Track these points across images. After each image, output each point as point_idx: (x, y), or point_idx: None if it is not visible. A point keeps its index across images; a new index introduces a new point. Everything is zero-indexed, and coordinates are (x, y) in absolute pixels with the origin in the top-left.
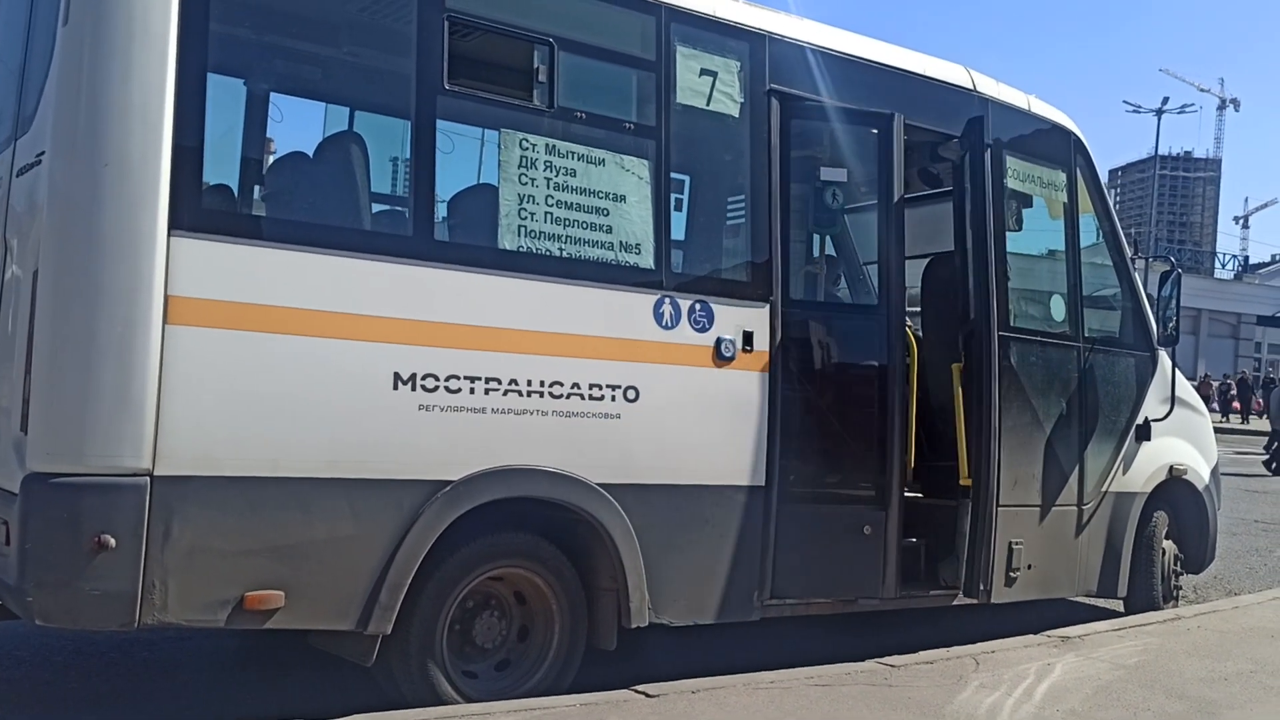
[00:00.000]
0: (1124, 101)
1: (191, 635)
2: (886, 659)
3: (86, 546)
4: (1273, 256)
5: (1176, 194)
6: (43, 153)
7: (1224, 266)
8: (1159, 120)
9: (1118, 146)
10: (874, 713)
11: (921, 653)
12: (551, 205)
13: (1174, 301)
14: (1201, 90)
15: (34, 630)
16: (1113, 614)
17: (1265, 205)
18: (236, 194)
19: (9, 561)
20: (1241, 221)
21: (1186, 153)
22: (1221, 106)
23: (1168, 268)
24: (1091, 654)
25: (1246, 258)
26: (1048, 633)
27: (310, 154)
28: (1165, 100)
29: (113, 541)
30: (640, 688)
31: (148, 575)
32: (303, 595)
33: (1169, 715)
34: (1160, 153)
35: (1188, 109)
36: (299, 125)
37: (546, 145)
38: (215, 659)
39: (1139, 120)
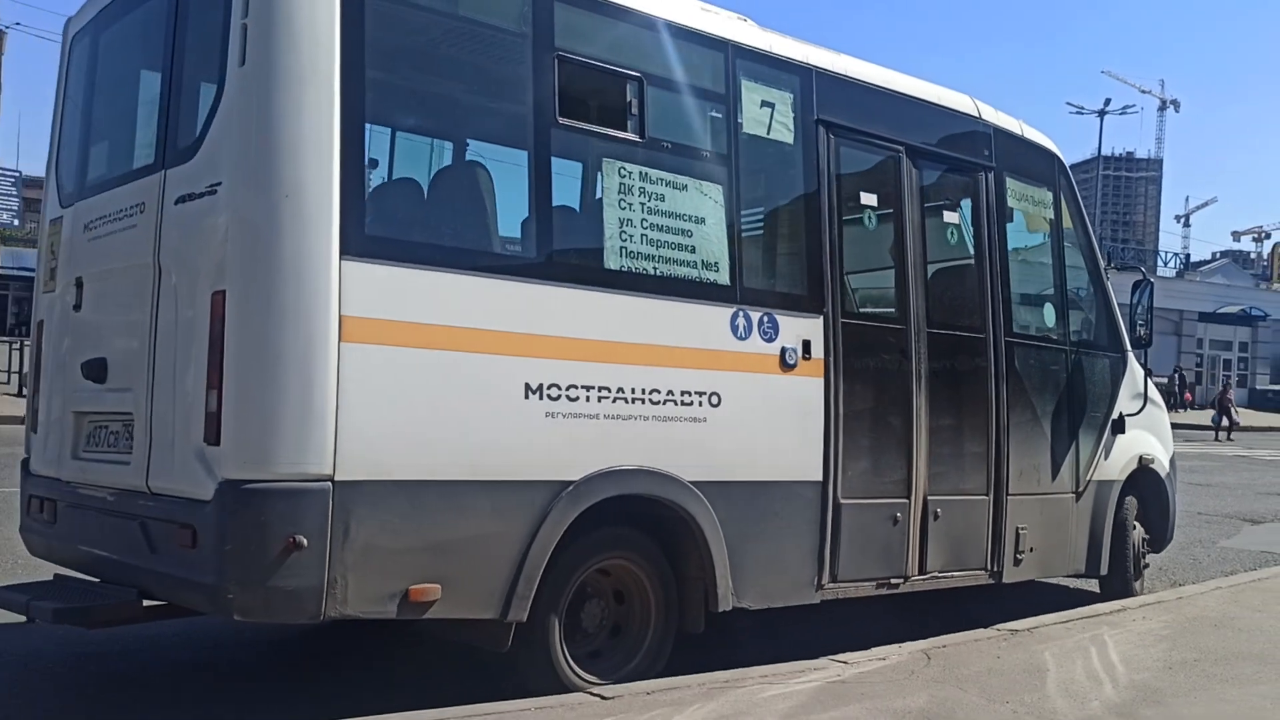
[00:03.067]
0: (1067, 103)
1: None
2: (840, 655)
3: (281, 547)
4: (1213, 254)
5: (1119, 193)
6: (217, 184)
7: (1166, 265)
8: (1101, 121)
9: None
10: (828, 709)
11: (875, 649)
12: (646, 228)
13: (1147, 307)
14: (1143, 92)
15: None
16: (1060, 606)
17: (1205, 204)
18: (393, 221)
19: (199, 562)
20: (1183, 220)
21: (1129, 153)
22: (1162, 107)
23: (1139, 277)
24: (1038, 647)
25: (1188, 256)
26: (996, 627)
27: (451, 185)
28: (1107, 102)
29: (305, 542)
30: (595, 690)
31: (331, 572)
32: (456, 587)
33: (1116, 704)
34: (1103, 153)
35: (1129, 110)
36: (440, 159)
37: (640, 173)
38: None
39: (1082, 121)
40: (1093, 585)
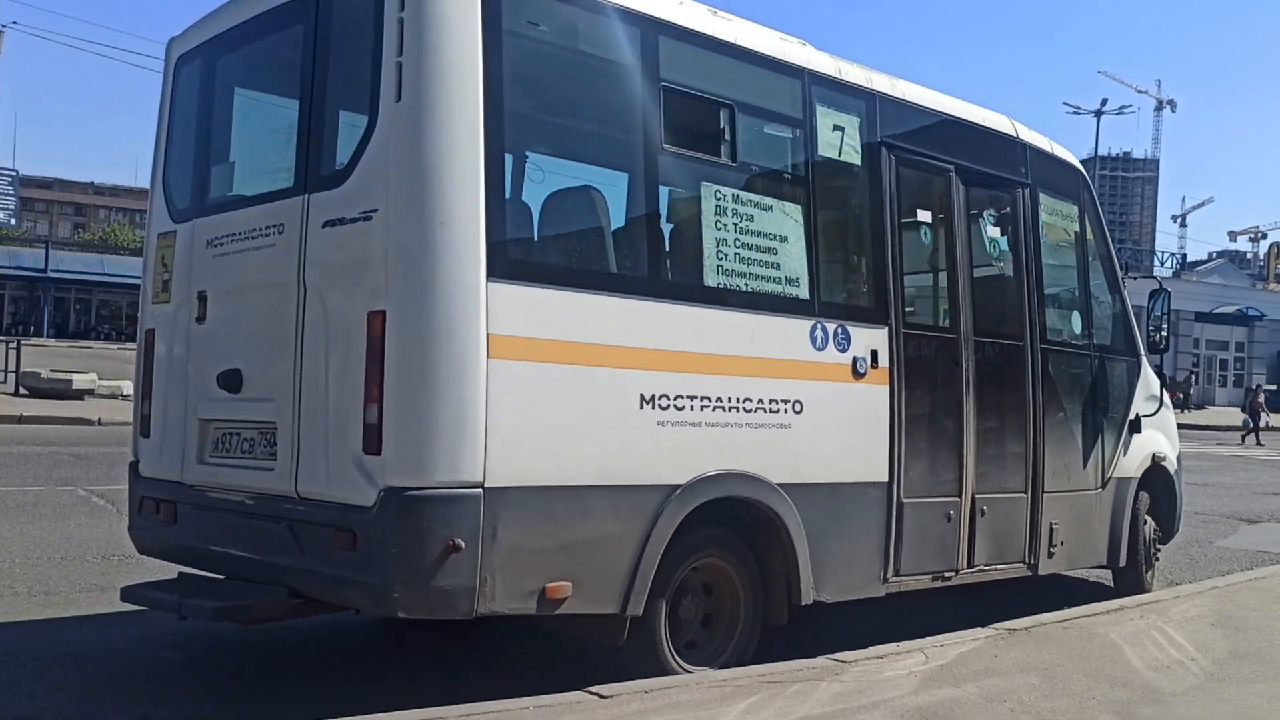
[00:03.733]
0: (1064, 103)
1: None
2: (838, 654)
3: (441, 549)
4: (1210, 254)
5: (1116, 193)
6: (372, 211)
7: (1163, 264)
8: (1098, 121)
9: None
10: (826, 707)
11: (873, 648)
12: (738, 247)
13: (1164, 316)
14: (1139, 92)
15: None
16: (1058, 605)
17: (1202, 204)
18: (529, 244)
19: (361, 563)
20: (1179, 220)
21: (1125, 153)
22: (1159, 108)
23: (1156, 286)
24: (1039, 644)
25: (1184, 255)
26: (995, 625)
27: (574, 209)
28: (1104, 102)
29: (462, 544)
30: (593, 689)
31: (481, 572)
32: (584, 585)
33: (1114, 703)
34: (1100, 153)
35: (1126, 110)
36: (564, 186)
37: (732, 195)
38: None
39: (1079, 121)
40: (1082, 578)
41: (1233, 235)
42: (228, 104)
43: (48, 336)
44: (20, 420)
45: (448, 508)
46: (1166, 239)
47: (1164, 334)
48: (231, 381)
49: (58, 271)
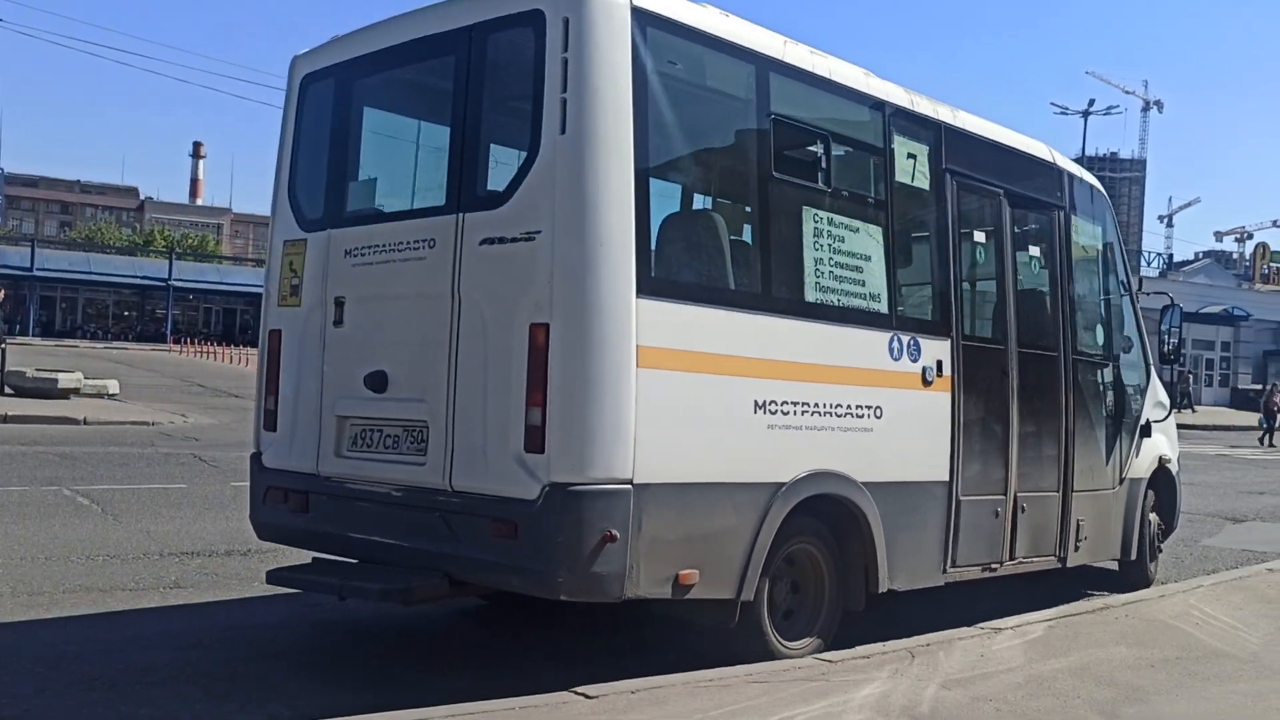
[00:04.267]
0: (1051, 103)
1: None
2: (825, 654)
3: (599, 539)
4: (1196, 254)
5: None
6: (535, 232)
7: (1150, 264)
8: (1085, 122)
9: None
10: (812, 706)
11: (859, 647)
12: (832, 265)
13: (1177, 328)
14: (1127, 92)
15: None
16: (1044, 604)
17: (1188, 204)
18: (668, 264)
19: (524, 551)
20: (1166, 220)
21: (1113, 153)
22: (1146, 108)
23: (1168, 301)
24: (1025, 643)
25: (1171, 255)
26: (981, 625)
27: (699, 232)
28: (1091, 102)
29: (618, 535)
30: (579, 689)
31: (630, 559)
32: (708, 572)
33: (1098, 702)
34: (1087, 153)
35: (1113, 111)
36: (691, 210)
37: (827, 218)
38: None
39: (1066, 121)
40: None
41: (1219, 235)
42: (362, 124)
43: (33, 335)
44: (5, 420)
45: (605, 502)
46: (1153, 239)
47: (1177, 345)
48: (377, 382)
49: (43, 270)
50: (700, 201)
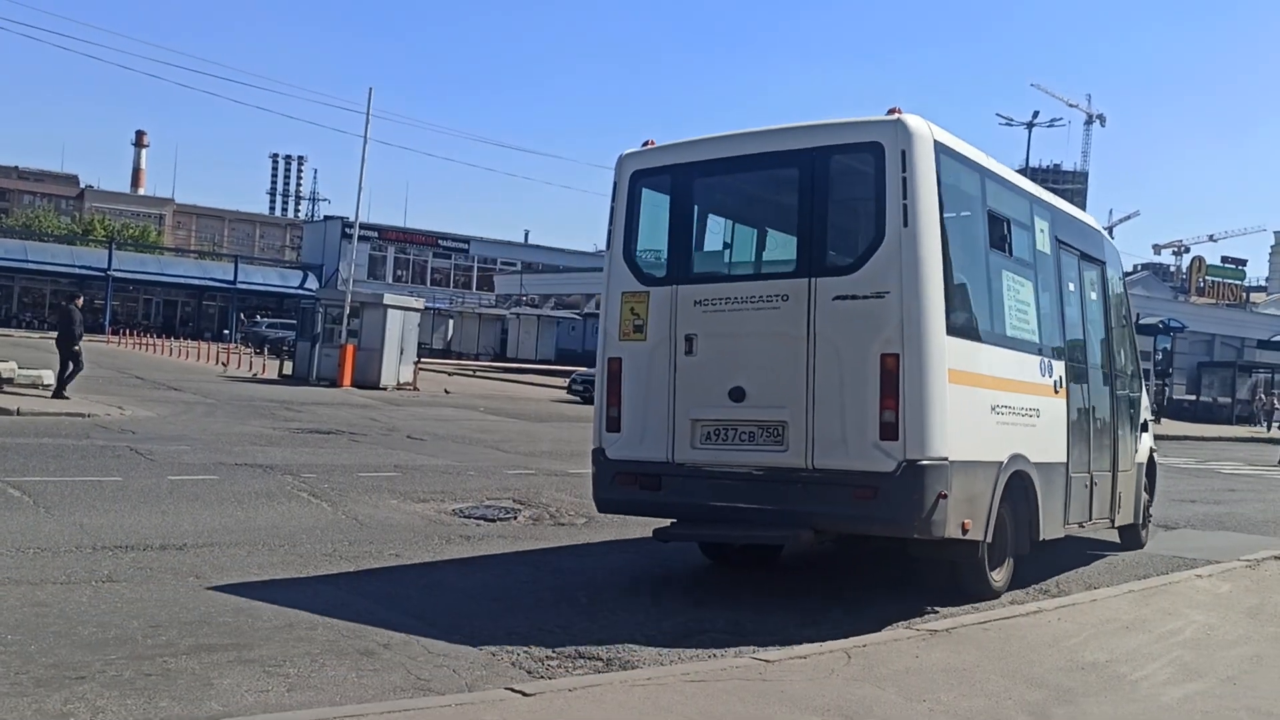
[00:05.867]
0: (997, 114)
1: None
2: (761, 653)
3: (936, 497)
4: (1134, 266)
5: None
6: (884, 292)
7: None
8: (1030, 134)
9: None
10: (748, 707)
11: (796, 647)
12: (1016, 310)
13: (1168, 352)
14: (1070, 105)
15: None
16: (976, 608)
17: (1128, 217)
18: (953, 313)
19: (882, 508)
20: (1108, 232)
21: (1056, 165)
22: (1089, 121)
23: (1162, 331)
24: (956, 646)
25: None
26: (915, 625)
27: (969, 290)
28: (1036, 114)
29: (946, 495)
30: (516, 686)
31: (948, 511)
32: (975, 521)
33: (1029, 704)
34: (1031, 164)
35: (1057, 123)
36: (958, 274)
37: (1012, 276)
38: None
39: (1010, 132)
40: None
41: (1157, 248)
42: (697, 211)
43: None
44: None
45: (938, 472)
46: None
47: (1169, 364)
48: (737, 394)
49: None
50: (960, 268)
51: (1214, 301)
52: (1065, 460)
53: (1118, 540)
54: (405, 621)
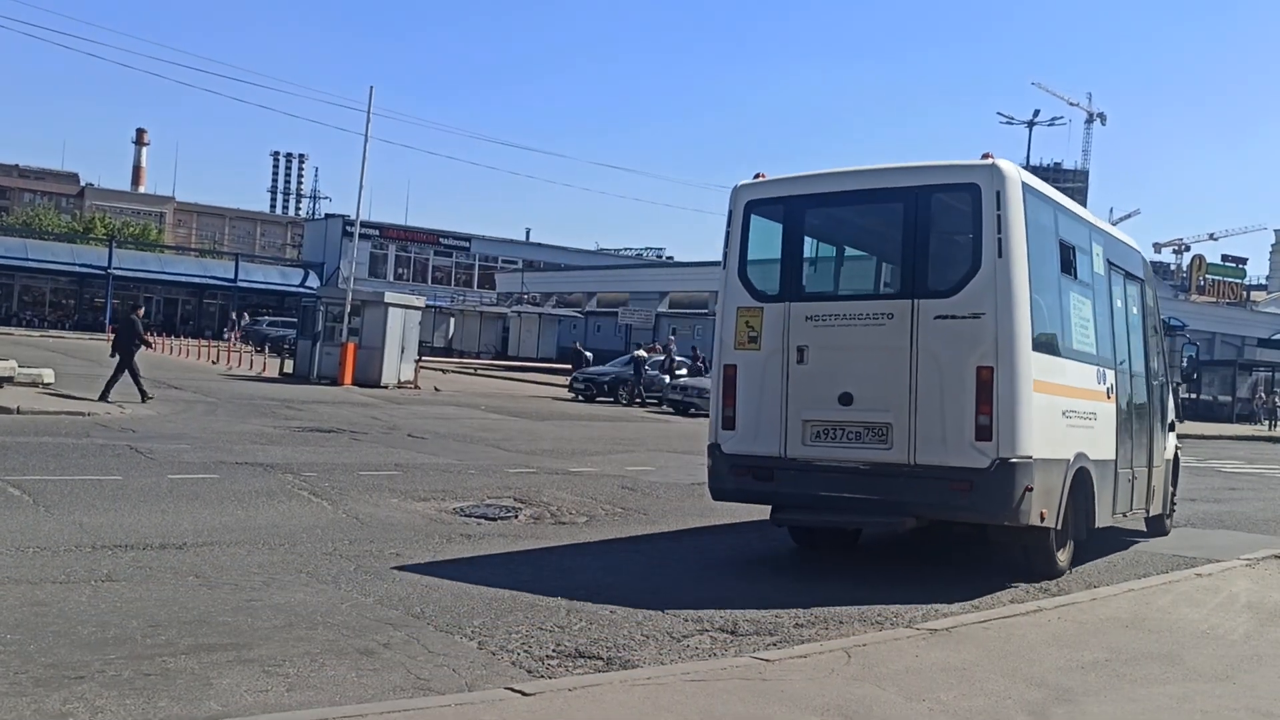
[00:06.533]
0: (998, 113)
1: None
2: (762, 654)
3: (1024, 490)
4: None
5: None
6: (980, 314)
7: None
8: (1030, 132)
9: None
10: (748, 706)
11: (796, 647)
12: (1078, 325)
13: (1192, 356)
14: (1071, 104)
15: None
16: (979, 607)
17: (1129, 215)
18: (1036, 328)
19: (976, 499)
20: None
21: (1056, 164)
22: (1090, 120)
23: (1185, 340)
24: (957, 645)
25: None
26: (917, 625)
27: (1044, 310)
28: (1036, 113)
29: (1032, 489)
30: (516, 686)
31: (1032, 502)
32: (1050, 511)
33: (1029, 703)
34: (1032, 163)
35: (1057, 122)
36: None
37: (1075, 295)
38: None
39: (1011, 131)
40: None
41: (1158, 247)
42: (801, 234)
43: None
44: None
45: (1025, 469)
46: None
47: (1195, 368)
48: (846, 399)
49: None
50: (1040, 291)
51: (1214, 300)
52: (1114, 458)
53: (1144, 529)
54: (405, 620)
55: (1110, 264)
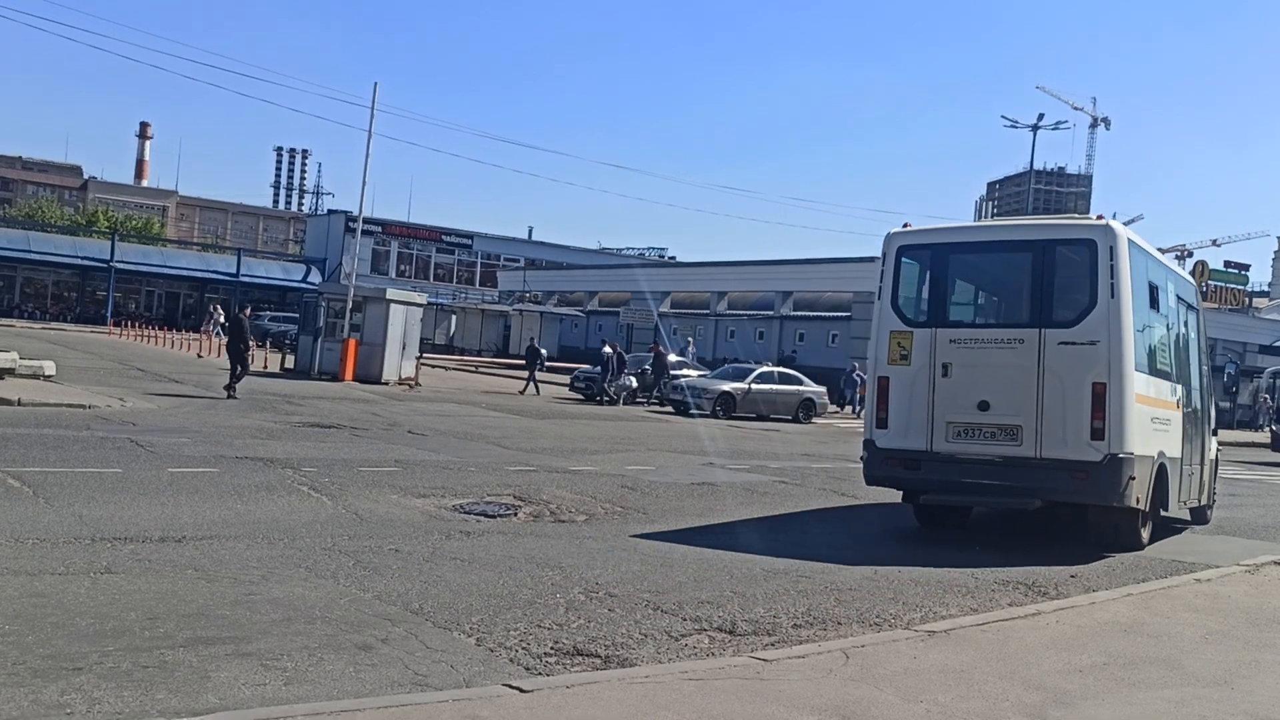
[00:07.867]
0: (1002, 116)
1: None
2: (760, 653)
3: (1129, 479)
4: None
5: (1050, 207)
6: (1095, 341)
7: None
8: (1034, 136)
9: (995, 159)
10: (746, 706)
11: (794, 647)
12: (1159, 347)
13: (1236, 374)
14: (1075, 109)
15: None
16: (976, 609)
17: (1132, 221)
18: (1136, 352)
19: (1092, 487)
20: None
21: (1060, 168)
22: (1094, 125)
23: (1228, 358)
24: (955, 647)
25: None
26: (915, 627)
27: (1138, 337)
28: (1041, 117)
29: (1134, 479)
30: (514, 683)
31: (1135, 490)
32: (1141, 497)
33: (1027, 705)
34: (1035, 167)
35: (1061, 126)
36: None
37: (1159, 326)
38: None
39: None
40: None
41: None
42: (945, 274)
43: None
44: None
45: (1129, 462)
46: None
47: (1235, 383)
48: (983, 406)
49: None
50: (1138, 323)
51: (1217, 306)
52: (1180, 456)
53: (1188, 518)
54: (403, 616)
55: (1178, 297)
